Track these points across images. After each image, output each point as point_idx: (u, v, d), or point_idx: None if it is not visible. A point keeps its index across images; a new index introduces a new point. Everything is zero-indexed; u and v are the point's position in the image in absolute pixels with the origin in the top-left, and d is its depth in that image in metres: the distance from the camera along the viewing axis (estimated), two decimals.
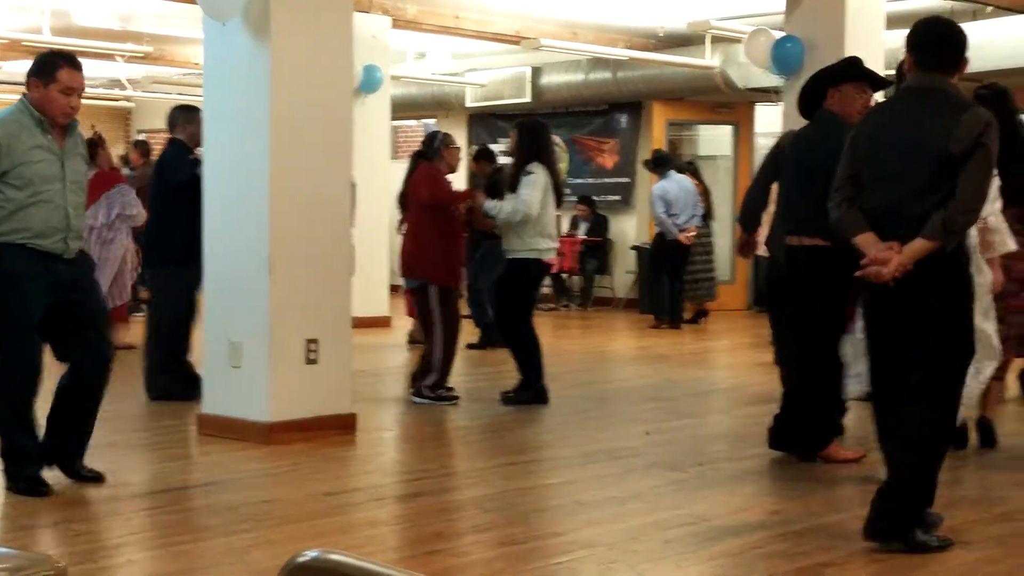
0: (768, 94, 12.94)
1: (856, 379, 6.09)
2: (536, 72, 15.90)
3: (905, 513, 4.71)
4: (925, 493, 4.75)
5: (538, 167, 8.06)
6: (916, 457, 4.73)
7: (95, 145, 9.77)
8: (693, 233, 13.13)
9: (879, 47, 10.07)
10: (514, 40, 13.43)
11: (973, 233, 5.10)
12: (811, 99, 6.45)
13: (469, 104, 16.79)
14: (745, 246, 7.18)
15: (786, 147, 6.61)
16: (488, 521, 5.24)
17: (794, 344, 6.56)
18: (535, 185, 8.02)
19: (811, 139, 6.33)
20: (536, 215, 8.03)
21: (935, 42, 4.79)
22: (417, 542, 4.97)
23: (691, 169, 13.83)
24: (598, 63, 15.10)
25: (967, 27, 12.93)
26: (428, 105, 17.22)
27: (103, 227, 9.95)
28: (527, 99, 15.94)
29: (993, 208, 5.65)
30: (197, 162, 7.69)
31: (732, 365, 10.74)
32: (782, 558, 4.68)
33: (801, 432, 6.41)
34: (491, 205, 8.21)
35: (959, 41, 4.79)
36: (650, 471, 6.20)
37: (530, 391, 8.17)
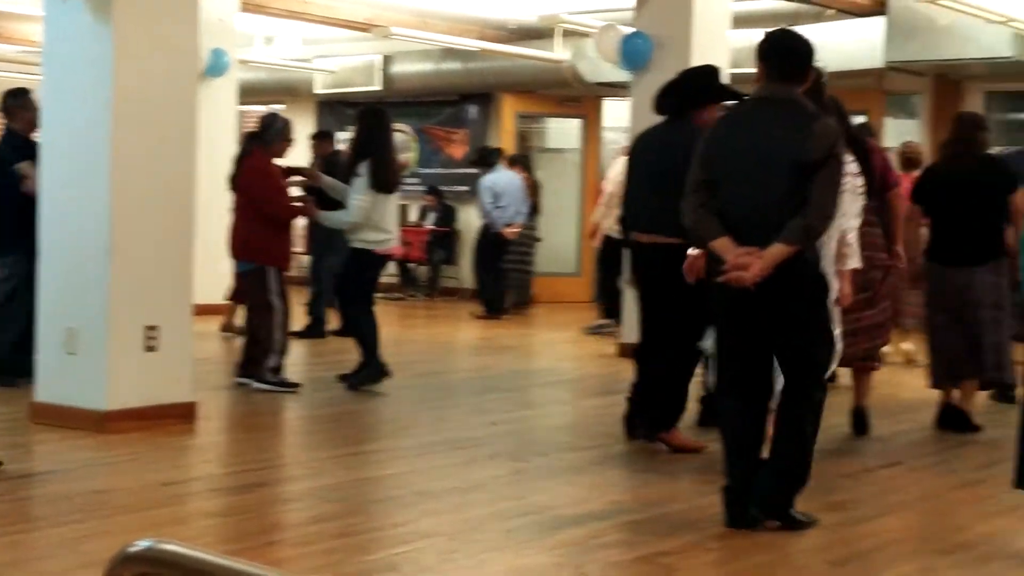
0: (616, 89, 13.10)
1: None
2: (387, 60, 15.83)
3: (787, 495, 4.96)
4: (803, 477, 4.99)
5: (366, 168, 8.03)
6: (797, 447, 4.96)
7: None
8: (518, 229, 13.26)
9: (724, 46, 10.27)
10: (364, 27, 13.34)
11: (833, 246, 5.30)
12: (677, 104, 6.46)
13: (318, 91, 16.63)
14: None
15: (634, 147, 6.69)
16: (328, 511, 5.20)
17: (648, 336, 6.67)
18: (362, 189, 8.02)
19: (665, 139, 6.41)
20: (365, 219, 8.04)
21: (785, 54, 4.97)
22: (256, 532, 4.90)
23: (521, 163, 13.93)
24: (449, 53, 15.10)
25: (810, 29, 13.33)
26: (276, 91, 16.99)
27: None
28: (377, 87, 15.86)
29: (852, 224, 5.85)
30: (23, 178, 7.48)
31: (576, 356, 10.84)
32: (622, 547, 4.74)
33: (649, 414, 6.55)
34: (324, 216, 8.33)
35: (807, 53, 4.98)
36: (493, 461, 6.22)
37: (370, 368, 8.17)
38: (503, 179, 13.20)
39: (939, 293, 7.29)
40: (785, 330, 4.91)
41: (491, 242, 13.29)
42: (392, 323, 12.82)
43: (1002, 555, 4.80)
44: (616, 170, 11.97)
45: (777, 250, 4.73)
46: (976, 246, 7.18)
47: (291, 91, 16.97)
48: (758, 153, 4.84)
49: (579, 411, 8.04)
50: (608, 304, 12.06)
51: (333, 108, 17.13)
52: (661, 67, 10.00)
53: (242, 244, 8.14)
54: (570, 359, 10.77)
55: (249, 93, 16.91)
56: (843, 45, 12.43)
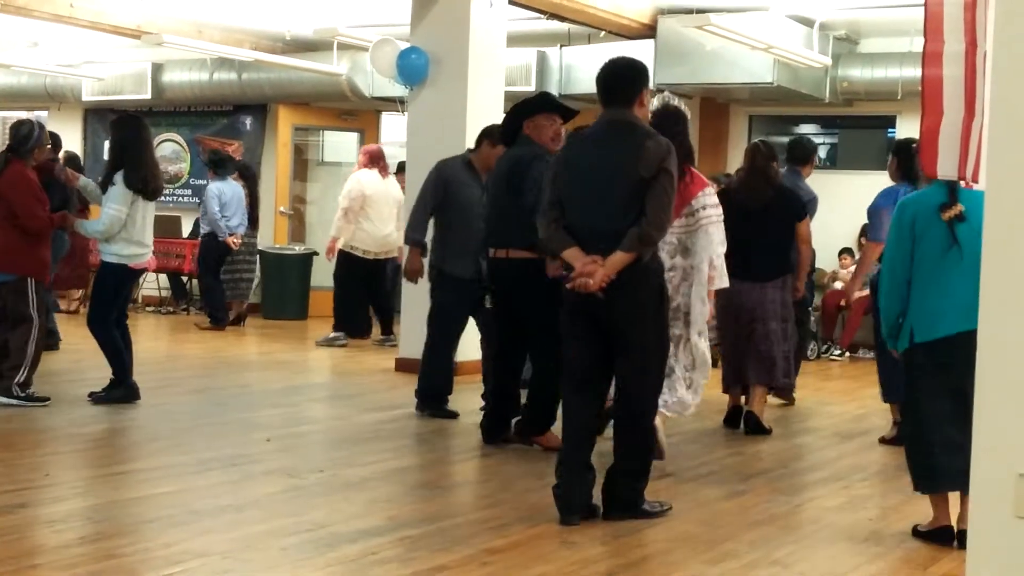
0: (394, 103, 13.10)
1: None
2: (158, 69, 15.44)
3: (638, 492, 5.49)
4: (647, 467, 5.54)
5: (120, 176, 7.85)
6: (639, 446, 5.49)
7: None
8: (240, 240, 13.42)
9: (500, 63, 10.39)
10: (135, 34, 12.98)
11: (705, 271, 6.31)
12: (510, 129, 7.12)
13: (86, 98, 16.11)
14: (415, 271, 8.12)
15: (495, 170, 7.29)
16: (95, 532, 5.03)
17: (502, 345, 7.28)
18: (120, 199, 7.84)
19: (512, 160, 7.00)
20: (119, 229, 7.86)
21: (616, 81, 5.49)
22: (17, 556, 4.69)
23: (242, 172, 13.95)
24: (223, 63, 14.84)
25: (582, 50, 13.55)
26: (41, 97, 16.40)
27: None
28: (147, 95, 15.45)
29: (719, 251, 6.56)
30: None
31: (354, 371, 10.77)
32: (398, 563, 4.73)
33: (524, 420, 7.13)
34: (79, 224, 8.16)
35: (637, 78, 5.51)
36: (269, 478, 6.12)
37: (119, 389, 8.06)
38: (228, 189, 13.30)
39: (732, 307, 7.83)
40: (624, 332, 5.38)
41: (217, 250, 13.29)
42: (164, 337, 12.51)
43: (766, 562, 4.98)
44: (351, 185, 12.19)
45: (617, 258, 5.26)
46: (767, 265, 7.89)
47: (56, 97, 16.40)
48: (599, 170, 5.38)
49: (356, 426, 7.97)
50: (344, 317, 12.32)
51: (102, 116, 16.62)
52: (437, 83, 10.08)
53: (1, 254, 7.81)
54: (346, 374, 10.69)
55: (11, 98, 16.31)
56: None
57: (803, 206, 8.11)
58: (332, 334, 12.29)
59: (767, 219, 7.85)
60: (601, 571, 4.74)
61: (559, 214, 5.47)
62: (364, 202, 12.11)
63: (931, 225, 5.15)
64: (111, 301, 8.13)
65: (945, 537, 5.26)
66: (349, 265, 12.29)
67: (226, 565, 4.57)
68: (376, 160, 12.35)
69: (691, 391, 6.68)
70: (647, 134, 5.38)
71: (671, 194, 5.36)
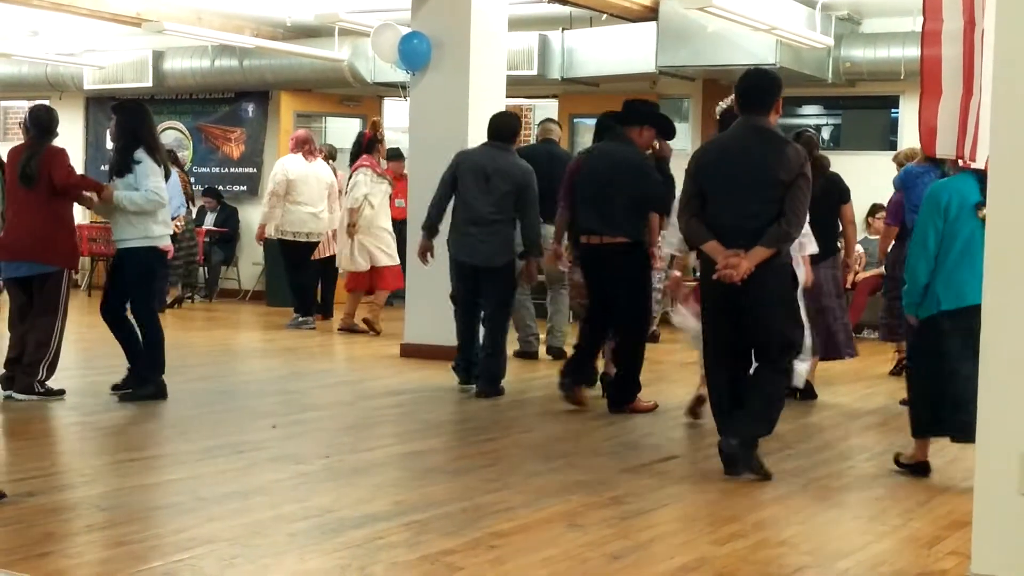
0: (396, 88, 13.09)
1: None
2: (158, 56, 15.42)
3: (755, 448, 6.01)
4: (768, 428, 6.11)
5: (143, 154, 7.78)
6: (772, 407, 6.07)
7: None
8: (182, 222, 13.55)
9: (501, 48, 10.38)
10: (135, 22, 12.97)
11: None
12: (610, 124, 7.88)
13: (88, 86, 16.10)
14: (425, 251, 8.62)
15: (584, 159, 8.00)
16: (104, 520, 5.05)
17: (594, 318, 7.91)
18: (156, 172, 7.78)
19: (616, 155, 7.70)
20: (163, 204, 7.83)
21: (757, 91, 6.06)
22: (27, 544, 4.70)
23: (172, 158, 14.02)
24: (225, 50, 14.83)
25: (584, 33, 13.49)
26: (42, 86, 16.39)
27: None
28: (149, 83, 15.44)
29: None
30: None
31: (358, 357, 10.79)
32: (405, 547, 4.74)
33: (615, 386, 7.88)
34: (121, 196, 7.73)
35: (773, 88, 6.09)
36: (275, 464, 6.14)
37: (150, 387, 7.86)
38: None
39: None
40: (764, 316, 5.96)
41: None
42: (169, 326, 12.46)
43: (773, 542, 4.99)
44: (275, 170, 12.38)
45: (760, 252, 5.87)
46: (820, 247, 7.98)
47: (58, 86, 16.39)
48: (740, 172, 5.93)
49: (362, 412, 7.99)
50: (299, 301, 12.57)
51: (103, 104, 16.61)
52: (439, 68, 10.06)
53: (40, 244, 7.66)
54: (351, 360, 10.71)
55: (12, 88, 16.30)
56: (617, 50, 12.72)
57: (846, 190, 8.52)
58: (300, 318, 12.48)
59: (816, 204, 7.92)
60: (608, 553, 4.75)
61: (698, 209, 6.03)
62: (288, 186, 12.33)
63: (964, 214, 5.69)
64: (148, 287, 8.01)
65: (924, 471, 6.09)
66: (294, 251, 12.51)
67: (234, 551, 4.58)
68: (301, 144, 12.58)
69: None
70: (786, 141, 6.03)
71: (808, 195, 5.96)
